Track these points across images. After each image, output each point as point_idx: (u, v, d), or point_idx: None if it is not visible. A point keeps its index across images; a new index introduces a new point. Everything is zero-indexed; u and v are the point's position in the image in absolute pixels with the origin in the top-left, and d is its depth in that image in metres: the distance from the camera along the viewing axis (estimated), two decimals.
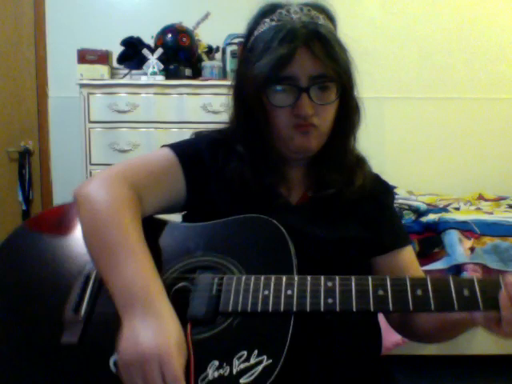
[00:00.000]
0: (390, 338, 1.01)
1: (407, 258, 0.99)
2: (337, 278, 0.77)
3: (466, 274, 2.08)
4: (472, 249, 2.14)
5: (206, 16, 2.95)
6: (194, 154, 0.97)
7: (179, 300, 0.79)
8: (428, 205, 2.52)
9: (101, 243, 0.81)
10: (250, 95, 0.91)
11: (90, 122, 2.70)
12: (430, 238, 2.22)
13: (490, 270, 2.12)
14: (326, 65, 0.86)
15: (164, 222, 0.93)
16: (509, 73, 3.25)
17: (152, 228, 0.90)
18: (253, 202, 0.93)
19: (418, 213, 2.34)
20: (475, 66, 3.23)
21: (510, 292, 0.71)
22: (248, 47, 0.94)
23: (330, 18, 0.94)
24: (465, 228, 2.21)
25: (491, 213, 2.51)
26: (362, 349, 0.91)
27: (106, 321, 0.79)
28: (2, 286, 0.88)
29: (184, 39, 2.78)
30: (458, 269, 2.12)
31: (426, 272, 2.10)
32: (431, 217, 2.31)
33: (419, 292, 0.74)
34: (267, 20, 0.90)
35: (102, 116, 2.70)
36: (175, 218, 1.00)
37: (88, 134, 2.70)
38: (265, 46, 0.88)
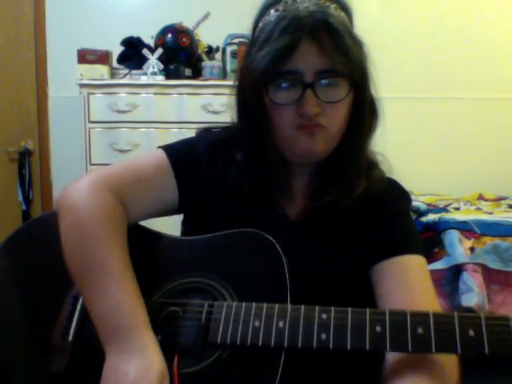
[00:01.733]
0: None
1: (409, 267, 0.84)
2: (332, 309, 0.70)
3: (465, 274, 2.08)
4: (472, 249, 2.14)
5: (206, 16, 2.95)
6: (190, 158, 0.91)
7: (167, 328, 0.76)
8: (428, 205, 2.52)
9: (83, 264, 0.76)
10: (249, 91, 0.81)
11: (90, 121, 2.70)
12: (430, 237, 2.22)
13: (490, 270, 2.12)
14: (335, 58, 0.77)
15: (154, 235, 0.88)
16: (509, 73, 3.25)
17: (141, 241, 0.86)
18: (249, 214, 0.87)
19: (418, 213, 2.34)
20: (475, 66, 3.23)
21: None
22: (252, 40, 0.85)
23: (344, 7, 0.84)
24: (465, 228, 2.21)
25: (491, 213, 2.51)
26: (362, 377, 0.85)
27: (94, 346, 0.74)
28: None
29: (184, 39, 2.78)
30: (457, 269, 2.12)
31: None
32: (431, 217, 2.31)
33: (420, 330, 0.66)
34: (272, 10, 0.81)
35: (102, 116, 2.70)
36: (176, 218, 0.99)
37: (88, 134, 2.70)
38: (266, 37, 0.79)
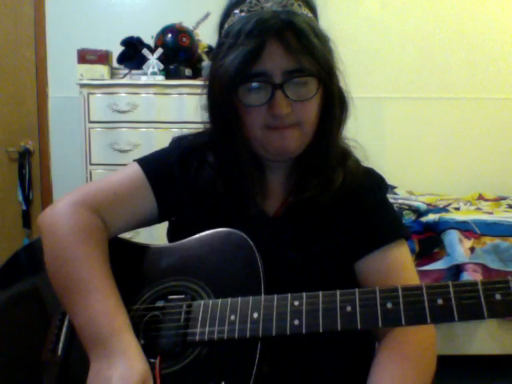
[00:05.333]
0: None
1: (393, 258, 0.87)
2: (304, 295, 0.72)
3: (465, 274, 2.08)
4: (472, 249, 2.15)
5: (206, 16, 2.95)
6: (164, 169, 0.92)
7: (150, 332, 0.78)
8: (428, 205, 2.52)
9: (63, 280, 0.79)
10: (219, 95, 0.82)
11: (90, 122, 2.70)
12: (430, 237, 2.22)
13: (490, 270, 2.12)
14: (302, 58, 0.78)
15: (134, 246, 0.90)
16: (509, 73, 3.25)
17: (122, 253, 0.88)
18: (226, 214, 0.88)
19: (418, 213, 2.34)
20: (475, 66, 3.23)
21: None
22: (219, 42, 0.86)
23: (308, 4, 0.84)
24: (465, 228, 2.21)
25: (491, 213, 2.51)
26: (349, 364, 0.87)
27: (83, 360, 0.76)
28: None
29: (184, 39, 2.78)
30: (457, 269, 2.12)
31: (426, 272, 2.10)
32: (431, 217, 2.31)
33: (389, 305, 0.67)
34: (237, 11, 0.81)
35: (101, 116, 2.70)
36: (160, 226, 1.00)
37: (88, 134, 2.70)
38: (232, 41, 0.79)
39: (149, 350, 0.75)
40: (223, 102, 0.82)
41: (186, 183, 0.91)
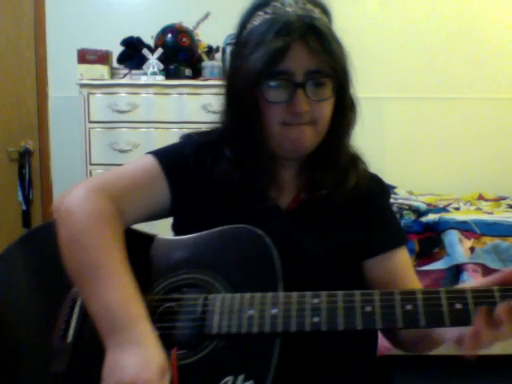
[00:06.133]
0: None
1: (400, 261, 0.94)
2: (323, 294, 0.74)
3: (465, 274, 2.08)
4: (472, 249, 2.15)
5: (206, 16, 2.95)
6: (179, 161, 0.94)
7: (165, 323, 0.78)
8: (428, 205, 2.52)
9: (80, 265, 0.79)
10: (242, 90, 0.86)
11: (90, 122, 2.70)
12: (430, 237, 2.22)
13: (490, 270, 2.12)
14: (322, 60, 0.83)
15: (149, 237, 0.91)
16: (509, 73, 3.25)
17: (136, 244, 0.88)
18: (241, 207, 0.90)
19: (418, 213, 2.34)
20: (475, 66, 3.23)
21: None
22: (241, 41, 0.89)
23: (326, 11, 0.90)
24: (465, 228, 2.21)
25: (491, 213, 2.51)
26: (355, 354, 0.88)
27: (93, 346, 0.76)
28: None
29: (184, 39, 2.78)
30: (457, 269, 2.12)
31: (426, 272, 2.10)
32: (431, 217, 2.31)
33: (409, 307, 0.70)
34: (261, 13, 0.86)
35: (101, 116, 2.70)
36: (164, 223, 1.00)
37: (88, 134, 2.70)
38: (259, 39, 0.83)
39: (163, 341, 0.74)
40: (247, 96, 0.86)
41: (201, 176, 0.93)
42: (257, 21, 0.86)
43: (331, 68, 0.84)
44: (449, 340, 0.76)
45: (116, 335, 0.72)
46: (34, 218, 3.19)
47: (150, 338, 0.73)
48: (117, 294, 0.75)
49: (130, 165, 0.95)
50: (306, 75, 0.84)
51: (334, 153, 0.92)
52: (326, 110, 0.87)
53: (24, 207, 3.14)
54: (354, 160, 0.96)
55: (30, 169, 3.16)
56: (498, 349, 2.15)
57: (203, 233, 0.86)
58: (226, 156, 0.92)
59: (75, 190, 0.86)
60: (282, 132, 0.86)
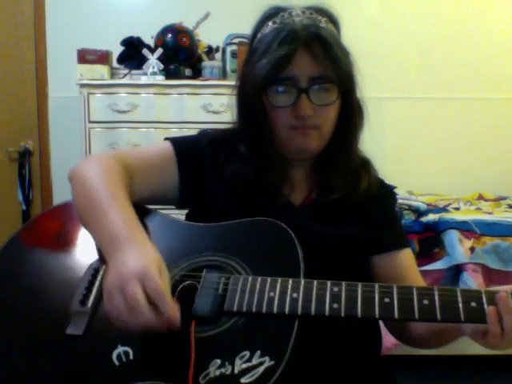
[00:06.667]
0: (391, 338, 1.01)
1: (406, 260, 1.00)
2: (343, 283, 0.77)
3: (465, 274, 2.08)
4: (472, 249, 2.15)
5: (206, 16, 2.95)
6: (194, 151, 0.98)
7: (185, 297, 0.80)
8: (428, 205, 2.52)
9: (88, 203, 0.86)
10: (250, 95, 0.92)
11: (90, 122, 2.70)
12: (430, 237, 2.22)
13: (490, 270, 2.12)
14: (326, 66, 0.88)
15: (174, 221, 0.94)
16: (509, 73, 3.25)
17: (161, 225, 0.93)
18: (254, 202, 0.94)
19: (418, 213, 2.34)
20: (475, 66, 3.23)
21: (500, 308, 0.71)
22: (252, 49, 0.95)
23: (333, 21, 0.95)
24: (465, 228, 2.21)
25: (491, 213, 2.51)
26: (362, 349, 0.91)
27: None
28: (12, 276, 0.89)
29: (184, 39, 2.78)
30: (457, 269, 2.12)
31: (426, 272, 2.10)
32: (431, 217, 2.31)
33: (426, 301, 0.73)
34: (270, 23, 0.92)
35: (101, 116, 2.70)
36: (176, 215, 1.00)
37: (88, 134, 2.70)
38: (265, 47, 0.89)
39: (183, 314, 0.75)
40: (254, 100, 0.92)
41: (215, 169, 0.97)
42: (266, 30, 0.92)
43: (335, 74, 0.88)
44: (462, 331, 0.79)
45: (114, 245, 0.77)
46: None
47: (146, 242, 0.78)
48: (114, 217, 0.81)
49: (146, 147, 1.02)
50: (310, 81, 0.88)
51: (344, 156, 0.97)
52: (330, 114, 0.91)
53: (24, 207, 3.14)
54: (366, 164, 1.01)
55: (30, 169, 3.16)
56: None
57: (224, 222, 0.90)
58: (240, 152, 0.97)
59: (88, 157, 0.94)
60: (288, 135, 0.91)
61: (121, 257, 0.75)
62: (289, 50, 0.86)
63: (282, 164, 0.97)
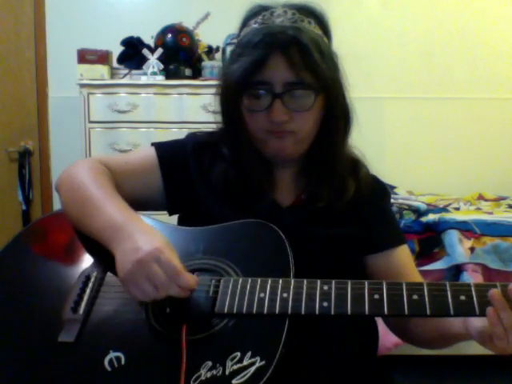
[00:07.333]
0: (390, 338, 1.01)
1: (402, 258, 0.98)
2: (333, 281, 0.77)
3: (465, 274, 2.08)
4: (472, 249, 2.14)
5: (206, 16, 2.95)
6: (178, 156, 0.98)
7: (176, 300, 0.79)
8: (428, 205, 2.52)
9: (81, 201, 0.87)
10: (228, 97, 0.92)
11: (90, 122, 2.70)
12: (430, 237, 2.22)
13: (489, 270, 2.12)
14: (302, 72, 0.85)
15: (164, 225, 0.93)
16: (509, 73, 3.25)
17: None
18: (240, 204, 0.93)
19: (418, 213, 2.34)
20: (475, 66, 3.23)
21: (495, 306, 0.70)
22: (233, 49, 0.93)
23: (319, 21, 0.91)
24: (465, 228, 2.21)
25: (491, 213, 2.51)
26: (357, 349, 0.91)
27: (103, 320, 0.80)
28: (3, 283, 0.89)
29: (184, 39, 2.78)
30: (457, 269, 2.12)
31: (426, 272, 2.10)
32: (431, 217, 2.31)
33: (415, 296, 0.73)
34: (252, 22, 0.90)
35: (101, 116, 2.70)
36: (171, 219, 1.01)
37: (88, 134, 2.70)
38: (241, 50, 0.88)
39: (174, 318, 0.77)
40: (230, 104, 0.91)
41: (201, 173, 0.97)
42: (247, 30, 0.90)
43: (311, 80, 0.86)
44: (469, 335, 0.79)
45: (118, 234, 0.79)
46: (34, 217, 3.19)
47: (149, 228, 0.80)
48: (109, 209, 0.83)
49: (131, 152, 1.06)
50: (285, 86, 0.86)
51: (328, 160, 0.94)
52: (308, 119, 0.89)
53: (24, 207, 3.14)
54: (354, 166, 0.98)
55: (30, 169, 3.16)
56: None
57: (213, 226, 0.90)
58: (224, 155, 0.96)
59: (74, 163, 0.95)
60: (264, 139, 0.90)
61: (131, 244, 0.76)
62: (262, 54, 0.84)
63: (267, 165, 0.95)
